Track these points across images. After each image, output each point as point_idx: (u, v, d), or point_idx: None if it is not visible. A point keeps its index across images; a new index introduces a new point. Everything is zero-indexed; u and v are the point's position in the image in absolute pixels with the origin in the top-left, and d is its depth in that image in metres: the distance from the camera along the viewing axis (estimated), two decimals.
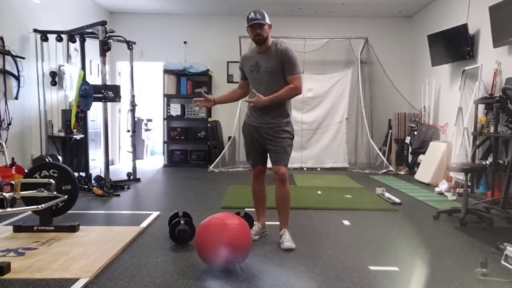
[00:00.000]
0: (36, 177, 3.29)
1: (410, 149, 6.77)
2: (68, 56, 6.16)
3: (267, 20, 2.88)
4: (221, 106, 7.70)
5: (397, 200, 4.53)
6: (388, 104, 7.73)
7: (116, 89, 5.18)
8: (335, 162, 7.50)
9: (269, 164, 3.10)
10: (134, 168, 5.96)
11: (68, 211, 3.43)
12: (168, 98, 7.77)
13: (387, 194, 4.77)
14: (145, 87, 9.48)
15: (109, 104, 5.00)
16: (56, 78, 5.63)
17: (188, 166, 7.63)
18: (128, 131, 6.07)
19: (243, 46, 7.27)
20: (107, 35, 4.87)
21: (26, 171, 4.12)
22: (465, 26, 5.47)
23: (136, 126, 6.21)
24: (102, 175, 5.25)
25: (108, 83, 5.25)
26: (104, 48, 4.82)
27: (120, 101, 5.46)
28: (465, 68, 5.53)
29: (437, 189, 5.24)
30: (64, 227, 3.20)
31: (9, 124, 4.74)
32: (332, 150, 7.52)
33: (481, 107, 5.03)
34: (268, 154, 3.05)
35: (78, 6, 6.62)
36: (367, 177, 6.51)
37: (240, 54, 7.19)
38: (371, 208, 4.24)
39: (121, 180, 5.65)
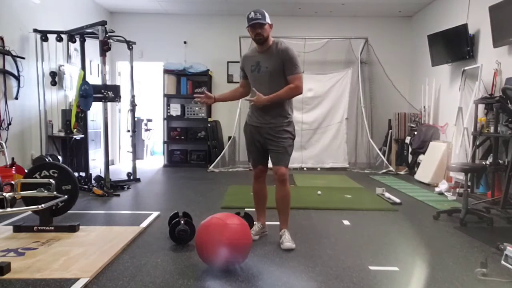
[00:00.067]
0: (36, 177, 3.29)
1: (410, 149, 6.77)
2: (68, 56, 6.16)
3: (268, 20, 2.87)
4: (221, 106, 7.76)
5: (397, 200, 4.53)
6: (388, 104, 7.73)
7: (116, 89, 5.18)
8: (335, 162, 7.50)
9: (270, 164, 3.10)
10: (134, 168, 5.97)
11: (68, 211, 3.43)
12: (168, 98, 7.77)
13: (387, 194, 4.77)
14: (145, 87, 9.48)
15: (109, 104, 5.00)
16: (56, 78, 5.63)
17: (188, 166, 7.63)
18: (128, 131, 6.07)
19: (243, 46, 7.27)
20: (107, 35, 4.86)
21: (26, 171, 4.12)
22: (465, 26, 5.47)
23: (136, 126, 6.21)
24: (102, 175, 5.25)
25: (108, 83, 5.25)
26: (104, 48, 4.82)
27: (120, 101, 5.46)
28: (465, 68, 5.53)
29: (437, 189, 5.24)
30: (64, 227, 3.20)
31: (9, 124, 4.74)
32: (332, 150, 7.52)
33: (481, 107, 5.03)
34: (269, 155, 3.04)
35: (78, 6, 6.62)
36: (367, 177, 6.51)
37: (240, 54, 7.20)
38: (371, 208, 4.24)
39: (121, 180, 5.65)
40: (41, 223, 3.16)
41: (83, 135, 5.47)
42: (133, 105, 5.92)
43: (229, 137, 7.52)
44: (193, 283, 2.28)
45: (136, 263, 2.58)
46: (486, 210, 3.94)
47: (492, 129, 4.50)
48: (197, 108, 7.66)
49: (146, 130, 9.07)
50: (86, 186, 4.99)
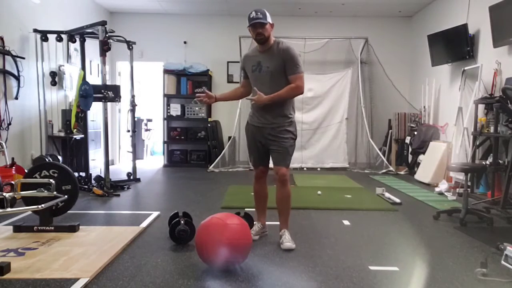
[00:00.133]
0: (36, 177, 3.29)
1: (410, 149, 6.77)
2: (68, 56, 6.16)
3: (269, 19, 2.87)
4: (221, 106, 7.76)
5: (397, 200, 4.53)
6: (388, 104, 7.73)
7: (116, 89, 5.18)
8: (335, 162, 7.50)
9: (271, 164, 3.09)
10: (134, 168, 5.96)
11: (68, 211, 3.43)
12: (168, 98, 7.77)
13: (387, 194, 4.77)
14: (145, 87, 9.48)
15: (109, 104, 5.00)
16: (56, 78, 5.63)
17: (188, 166, 7.63)
18: (128, 131, 6.07)
19: (243, 46, 7.27)
20: (107, 35, 4.86)
21: (26, 171, 4.12)
22: (465, 26, 5.47)
23: (136, 126, 6.21)
24: (102, 175, 5.25)
25: (108, 83, 5.25)
26: (104, 48, 4.82)
27: (120, 101, 5.46)
28: (465, 68, 5.53)
29: (437, 189, 5.24)
30: (64, 227, 3.20)
31: (9, 124, 4.74)
32: (332, 150, 7.52)
33: (481, 107, 5.03)
34: (270, 155, 3.04)
35: (78, 6, 6.62)
36: (367, 177, 6.51)
37: (240, 54, 7.20)
38: (371, 208, 4.24)
39: (121, 180, 5.65)
40: (41, 223, 3.16)
41: (83, 135, 5.47)
42: (133, 105, 5.92)
43: (229, 137, 7.52)
44: (193, 283, 2.28)
45: (136, 263, 2.58)
46: (486, 210, 3.94)
47: (492, 129, 4.50)
48: (197, 108, 7.66)
49: (146, 130, 9.07)
50: (86, 186, 4.99)
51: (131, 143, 6.13)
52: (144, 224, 3.48)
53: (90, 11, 7.03)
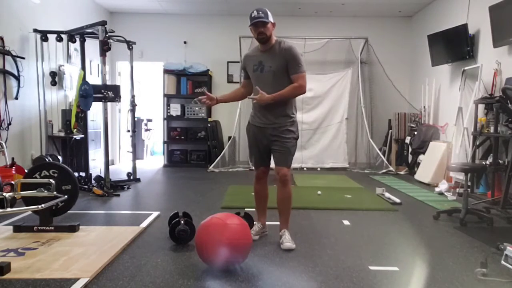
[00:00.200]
0: (36, 177, 3.29)
1: (410, 149, 6.77)
2: (68, 56, 6.16)
3: (271, 19, 2.86)
4: (221, 106, 7.67)
5: (397, 200, 4.53)
6: (388, 104, 7.73)
7: (116, 89, 5.18)
8: (335, 162, 7.50)
9: (271, 164, 3.09)
10: (134, 168, 5.96)
11: (68, 211, 3.43)
12: (168, 98, 7.77)
13: (387, 194, 4.77)
14: (145, 87, 9.48)
15: (109, 104, 5.00)
16: (56, 78, 5.63)
17: (188, 166, 7.63)
18: (128, 131, 6.07)
19: (243, 46, 7.27)
20: (107, 35, 4.86)
21: (26, 171, 4.12)
22: (465, 26, 5.47)
23: (136, 126, 6.21)
24: (102, 175, 5.25)
25: (108, 83, 5.25)
26: (104, 48, 4.82)
27: (120, 101, 5.46)
28: (465, 68, 5.53)
29: (437, 189, 5.24)
30: (64, 227, 3.20)
31: (9, 124, 4.74)
32: (332, 150, 7.52)
33: (481, 107, 5.03)
34: (271, 155, 3.03)
35: (78, 6, 6.62)
36: (367, 177, 6.51)
37: (240, 54, 7.20)
38: (371, 208, 4.24)
39: (121, 180, 5.65)
40: (41, 223, 3.16)
41: (83, 135, 5.47)
42: (133, 105, 5.92)
43: (229, 137, 7.51)
44: (193, 283, 2.28)
45: (136, 263, 2.58)
46: (486, 210, 3.94)
47: (492, 129, 4.50)
48: (197, 108, 7.66)
49: (146, 130, 9.07)
50: (86, 186, 4.99)
51: (131, 143, 6.13)
52: (144, 224, 3.48)
53: (90, 11, 7.03)
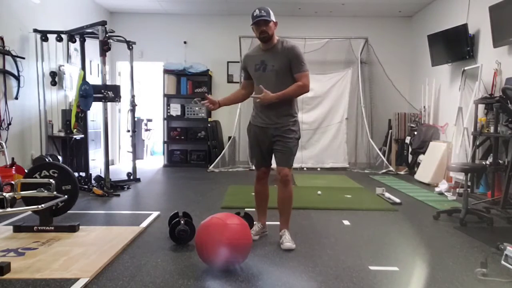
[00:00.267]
0: (36, 177, 3.29)
1: (410, 149, 6.77)
2: (68, 56, 6.16)
3: (273, 18, 2.86)
4: None
5: (397, 200, 4.53)
6: (388, 104, 7.73)
7: (116, 89, 5.18)
8: (335, 162, 7.50)
9: (272, 165, 3.08)
10: (134, 168, 5.96)
11: (68, 211, 3.43)
12: (168, 98, 7.77)
13: (387, 194, 4.77)
14: (145, 87, 9.48)
15: (109, 104, 5.00)
16: (56, 78, 5.63)
17: (188, 166, 7.63)
18: (128, 131, 6.07)
19: (243, 46, 7.27)
20: (107, 35, 4.86)
21: (26, 171, 4.12)
22: (465, 26, 5.47)
23: (136, 126, 6.21)
24: (102, 175, 5.25)
25: (108, 83, 5.25)
26: (104, 48, 4.82)
27: (120, 101, 5.46)
28: (465, 68, 5.53)
29: (437, 189, 5.24)
30: (64, 227, 3.20)
31: (9, 124, 4.74)
32: (332, 150, 7.52)
33: (481, 107, 5.03)
34: (273, 155, 3.01)
35: (78, 6, 6.62)
36: (367, 177, 6.51)
37: (240, 54, 7.20)
38: (371, 208, 4.24)
39: (121, 180, 5.65)
40: (41, 223, 3.16)
41: (83, 135, 5.47)
42: (133, 105, 5.92)
43: (229, 137, 7.51)
44: (193, 283, 2.28)
45: (136, 263, 2.58)
46: (486, 210, 3.94)
47: (492, 129, 4.50)
48: (197, 108, 7.66)
49: (146, 130, 9.07)
50: (86, 186, 4.99)
51: (131, 143, 6.13)
52: (144, 224, 3.47)
53: (90, 11, 7.03)
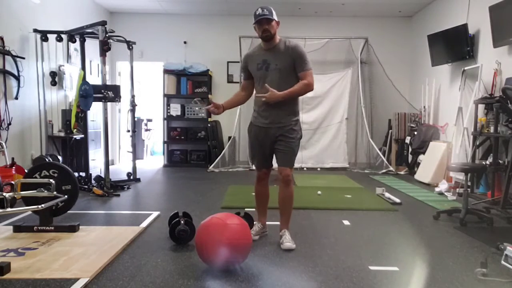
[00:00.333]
0: (36, 177, 3.29)
1: (410, 149, 6.77)
2: (68, 56, 6.16)
3: (275, 17, 2.86)
4: None
5: (397, 200, 4.53)
6: (388, 104, 7.73)
7: (116, 89, 5.18)
8: (335, 162, 7.50)
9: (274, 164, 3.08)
10: (134, 168, 5.96)
11: (68, 211, 3.43)
12: (168, 98, 7.77)
13: (387, 194, 4.77)
14: (145, 87, 9.48)
15: (109, 104, 5.00)
16: (56, 78, 5.63)
17: (188, 166, 7.63)
18: (128, 131, 6.07)
19: (243, 46, 7.27)
20: (107, 35, 4.86)
21: (26, 171, 4.12)
22: (465, 26, 5.47)
23: (136, 126, 6.21)
24: (102, 175, 5.25)
25: (108, 83, 5.25)
26: (104, 48, 4.82)
27: (120, 101, 5.46)
28: (465, 68, 5.53)
29: (437, 189, 5.24)
30: (64, 227, 3.20)
31: (9, 124, 4.74)
32: (332, 150, 7.52)
33: (481, 107, 5.03)
34: (274, 155, 3.01)
35: (78, 6, 6.62)
36: (367, 177, 6.51)
37: (240, 54, 7.20)
38: (371, 208, 4.24)
39: (121, 180, 5.65)
40: (41, 223, 3.16)
41: (83, 135, 5.47)
42: (133, 105, 5.92)
43: (229, 137, 7.51)
44: (193, 283, 2.28)
45: (136, 263, 2.58)
46: (486, 210, 3.94)
47: (492, 129, 4.50)
48: (197, 108, 7.66)
49: (146, 130, 9.07)
50: (86, 186, 4.99)
51: (131, 143, 6.13)
52: (144, 224, 3.47)
53: (90, 11, 7.04)
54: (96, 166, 6.29)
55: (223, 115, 8.25)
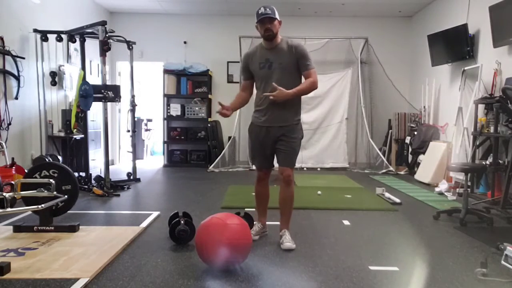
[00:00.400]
0: (36, 177, 3.29)
1: (410, 149, 6.77)
2: (68, 56, 6.16)
3: (277, 16, 2.87)
4: None
5: (397, 200, 4.53)
6: (388, 104, 7.73)
7: (116, 89, 5.18)
8: (335, 162, 7.50)
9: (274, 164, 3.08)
10: (134, 168, 5.96)
11: (68, 211, 3.43)
12: (168, 98, 7.77)
13: (387, 194, 4.77)
14: (145, 87, 9.48)
15: (109, 104, 5.00)
16: (56, 78, 5.63)
17: (188, 166, 7.63)
18: (128, 131, 6.07)
19: (243, 46, 7.27)
20: (107, 35, 4.86)
21: (26, 171, 4.12)
22: (465, 26, 5.47)
23: (136, 126, 6.21)
24: (102, 175, 5.25)
25: (108, 83, 5.25)
26: (104, 48, 4.82)
27: (120, 101, 5.46)
28: (465, 68, 5.53)
29: (437, 189, 5.24)
30: (64, 227, 3.20)
31: (9, 124, 4.74)
32: (332, 150, 7.52)
33: (481, 107, 5.03)
34: (275, 155, 3.00)
35: (78, 6, 6.62)
36: (367, 177, 6.51)
37: (240, 54, 7.20)
38: (371, 208, 4.24)
39: (121, 180, 5.65)
40: (41, 223, 3.16)
41: (83, 135, 5.47)
42: (133, 105, 5.92)
43: (229, 137, 7.51)
44: (193, 283, 2.28)
45: (136, 263, 2.58)
46: (486, 210, 3.94)
47: (492, 129, 4.50)
48: (197, 108, 7.66)
49: (146, 130, 9.07)
50: (86, 186, 4.99)
51: (131, 143, 6.13)
52: (144, 224, 3.47)
53: (90, 11, 7.04)
54: (96, 166, 6.29)
55: None
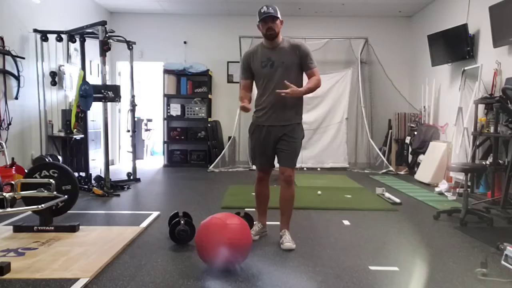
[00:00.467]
0: (36, 177, 3.29)
1: (410, 149, 6.77)
2: (68, 56, 6.16)
3: (279, 15, 2.88)
4: (221, 105, 7.90)
5: (397, 200, 4.53)
6: (388, 104, 7.73)
7: (116, 89, 5.18)
8: (335, 162, 7.50)
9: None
10: (134, 168, 5.96)
11: (68, 211, 3.42)
12: (168, 98, 7.77)
13: (387, 194, 4.77)
14: (145, 87, 9.47)
15: (109, 104, 5.00)
16: (56, 78, 5.63)
17: (188, 166, 7.63)
18: (128, 131, 6.07)
19: (243, 46, 7.27)
20: (107, 35, 4.86)
21: (26, 171, 4.12)
22: (465, 26, 5.47)
23: (136, 126, 6.21)
24: (102, 175, 5.25)
25: (108, 83, 5.25)
26: (104, 48, 4.82)
27: (120, 101, 5.47)
28: (465, 68, 5.53)
29: (437, 189, 5.23)
30: (64, 227, 3.20)
31: (9, 124, 4.74)
32: (332, 150, 7.52)
33: (481, 107, 5.03)
34: (276, 155, 3.00)
35: (78, 6, 6.62)
36: (367, 177, 6.51)
37: (240, 54, 7.19)
38: (371, 208, 4.24)
39: (121, 180, 5.64)
40: (41, 223, 3.16)
41: (83, 135, 5.46)
42: (133, 105, 5.92)
43: (229, 137, 7.51)
44: (193, 283, 2.28)
45: (136, 263, 2.58)
46: (486, 210, 3.95)
47: (492, 129, 4.50)
48: (197, 108, 7.66)
49: (146, 130, 9.06)
50: (86, 186, 4.99)
51: (131, 143, 6.13)
52: (144, 224, 3.47)
53: (90, 11, 7.03)
54: (96, 166, 6.28)
55: (223, 115, 8.31)
